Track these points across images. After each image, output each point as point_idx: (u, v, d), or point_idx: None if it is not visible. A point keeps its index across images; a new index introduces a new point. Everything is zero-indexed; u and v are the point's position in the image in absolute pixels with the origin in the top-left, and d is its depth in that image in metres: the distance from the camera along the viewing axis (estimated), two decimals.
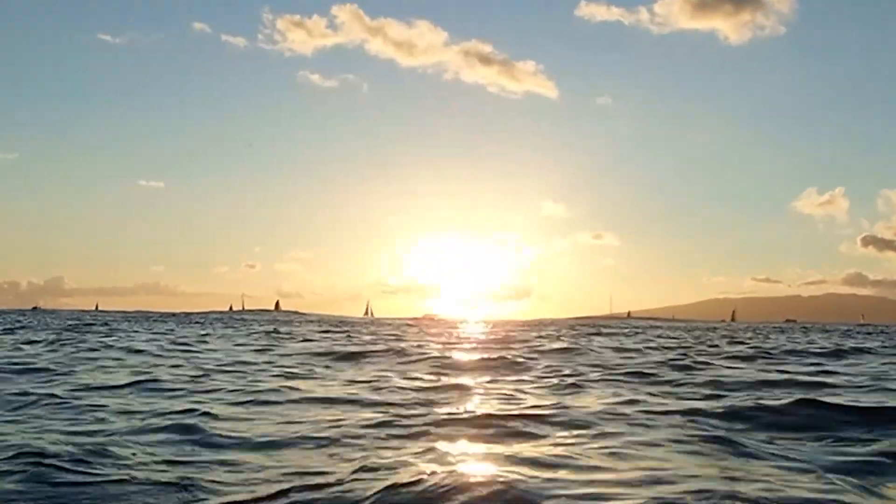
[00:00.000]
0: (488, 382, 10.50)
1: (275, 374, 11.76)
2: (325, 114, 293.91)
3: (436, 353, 16.61)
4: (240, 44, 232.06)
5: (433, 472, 4.32)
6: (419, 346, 20.43)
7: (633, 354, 18.16)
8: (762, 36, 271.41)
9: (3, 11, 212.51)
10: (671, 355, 17.27)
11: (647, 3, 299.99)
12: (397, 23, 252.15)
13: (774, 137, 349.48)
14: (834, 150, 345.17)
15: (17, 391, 8.54)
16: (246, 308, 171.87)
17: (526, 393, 9.15)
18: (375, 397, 8.65)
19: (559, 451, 5.28)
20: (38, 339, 21.52)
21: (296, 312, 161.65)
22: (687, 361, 14.76)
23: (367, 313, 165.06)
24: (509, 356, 15.37)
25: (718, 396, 8.92)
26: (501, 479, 4.17)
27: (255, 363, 13.88)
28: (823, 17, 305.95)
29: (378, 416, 7.01)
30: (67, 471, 4.55)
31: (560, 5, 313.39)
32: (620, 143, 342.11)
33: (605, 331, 47.44)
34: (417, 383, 10.29)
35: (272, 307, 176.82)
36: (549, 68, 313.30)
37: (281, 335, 29.25)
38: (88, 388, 9.16)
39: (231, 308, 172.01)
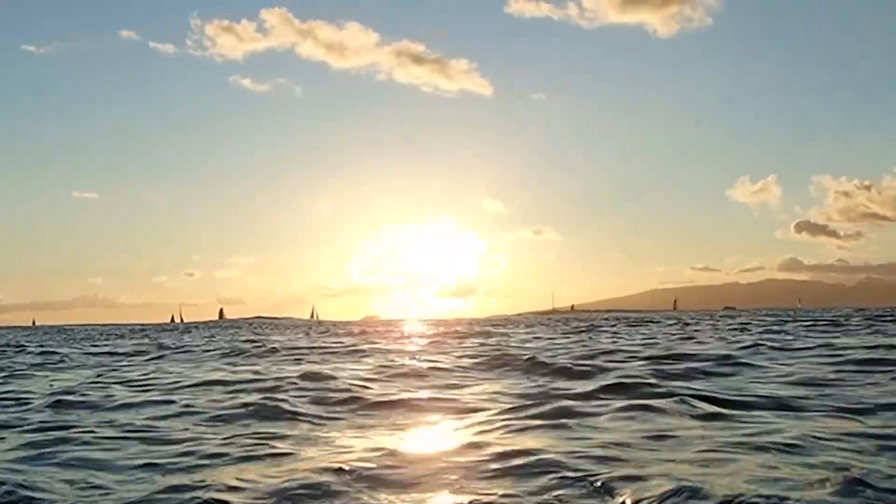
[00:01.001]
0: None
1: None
2: (260, 118, 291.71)
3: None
4: (169, 50, 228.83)
5: None
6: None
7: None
8: (690, 28, 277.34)
9: None
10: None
11: None
12: (327, 25, 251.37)
13: (707, 128, 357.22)
14: (765, 139, 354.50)
15: None
16: (186, 320, 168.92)
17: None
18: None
19: None
20: None
21: (241, 320, 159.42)
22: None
23: (312, 317, 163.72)
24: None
25: None
26: None
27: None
28: (750, 7, 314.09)
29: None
30: None
31: (490, 2, 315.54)
32: (556, 138, 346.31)
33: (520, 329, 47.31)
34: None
35: (215, 316, 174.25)
36: (482, 66, 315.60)
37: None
38: None
39: (172, 320, 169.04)
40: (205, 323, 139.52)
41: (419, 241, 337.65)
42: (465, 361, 13.17)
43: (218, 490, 4.20)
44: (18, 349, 25.56)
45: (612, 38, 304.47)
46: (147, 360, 17.31)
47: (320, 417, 7.24)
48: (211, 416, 7.29)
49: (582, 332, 30.71)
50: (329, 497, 4.09)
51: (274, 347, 20.44)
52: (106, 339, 37.79)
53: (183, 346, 24.08)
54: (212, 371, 13.09)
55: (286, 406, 7.65)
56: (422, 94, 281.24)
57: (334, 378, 10.48)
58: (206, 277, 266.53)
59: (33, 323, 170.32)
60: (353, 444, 5.66)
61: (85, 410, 8.13)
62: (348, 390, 9.04)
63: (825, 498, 3.76)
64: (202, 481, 4.42)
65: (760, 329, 26.76)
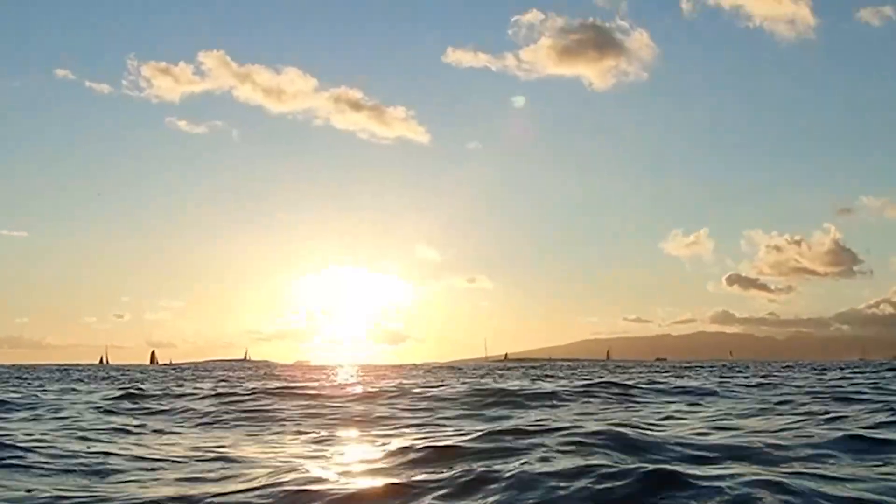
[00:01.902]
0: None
1: None
2: (195, 160, 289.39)
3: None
4: (104, 90, 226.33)
5: None
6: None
7: None
8: (626, 82, 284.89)
9: None
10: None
11: (514, 49, 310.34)
12: (266, 69, 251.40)
13: (640, 180, 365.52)
14: (698, 193, 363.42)
15: None
16: (113, 362, 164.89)
17: None
18: None
19: None
20: None
21: (176, 364, 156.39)
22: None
23: (245, 358, 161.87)
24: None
25: None
26: None
27: None
28: (684, 63, 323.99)
29: None
30: None
31: (428, 52, 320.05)
32: (491, 187, 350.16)
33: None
34: None
35: (145, 360, 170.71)
36: (419, 114, 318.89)
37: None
38: None
39: (101, 361, 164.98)
40: (137, 366, 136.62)
41: (352, 287, 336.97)
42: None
43: None
44: None
45: (548, 90, 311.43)
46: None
47: None
48: None
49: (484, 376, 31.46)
50: None
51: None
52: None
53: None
54: None
55: None
56: (358, 140, 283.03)
57: None
58: (136, 319, 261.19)
59: None
60: None
61: None
62: None
63: None
64: None
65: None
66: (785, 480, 4.86)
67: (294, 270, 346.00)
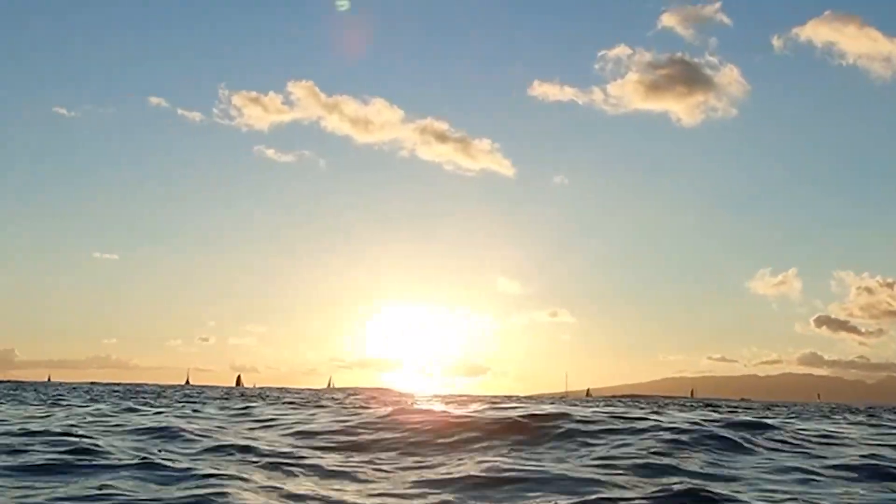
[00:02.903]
0: None
1: None
2: (282, 188, 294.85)
3: None
4: (196, 118, 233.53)
5: None
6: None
7: None
8: (714, 118, 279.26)
9: None
10: None
11: (601, 83, 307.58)
12: (353, 100, 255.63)
13: (728, 218, 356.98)
14: (787, 232, 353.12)
15: None
16: (193, 383, 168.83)
17: None
18: None
19: None
20: None
21: (259, 388, 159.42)
22: None
23: (329, 387, 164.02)
24: None
25: None
26: None
27: None
28: (775, 100, 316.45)
29: None
30: None
31: (514, 84, 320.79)
32: (576, 221, 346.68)
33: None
34: None
35: (230, 382, 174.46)
36: (505, 146, 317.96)
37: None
38: None
39: (187, 382, 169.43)
40: (223, 388, 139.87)
41: (433, 318, 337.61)
42: None
43: None
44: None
45: (635, 125, 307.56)
46: None
47: None
48: None
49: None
50: None
51: None
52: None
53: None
54: None
55: None
56: (443, 171, 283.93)
57: None
58: (221, 343, 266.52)
59: (48, 379, 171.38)
60: None
61: None
62: None
63: None
64: None
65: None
66: None
67: (377, 300, 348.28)
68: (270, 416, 13.62)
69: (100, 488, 6.37)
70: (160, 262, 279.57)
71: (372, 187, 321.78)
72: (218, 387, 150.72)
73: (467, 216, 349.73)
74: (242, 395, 49.83)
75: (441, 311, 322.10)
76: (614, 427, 10.49)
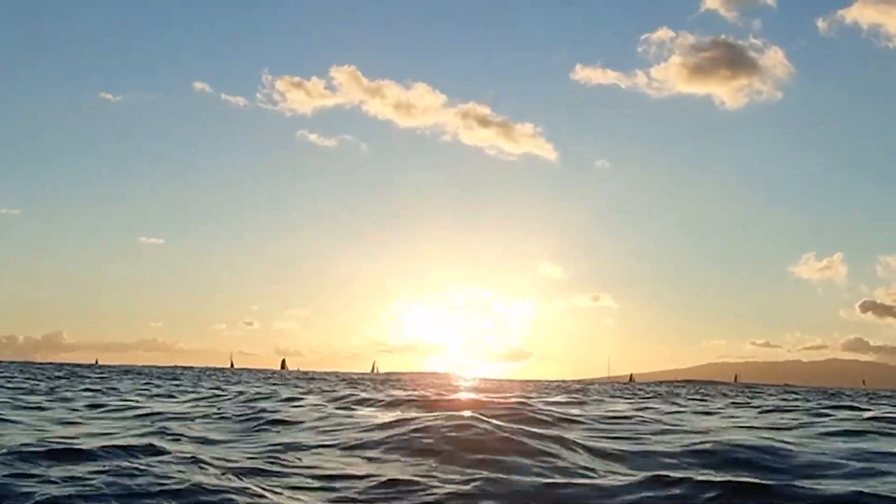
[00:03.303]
0: None
1: None
2: (324, 173, 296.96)
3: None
4: (239, 103, 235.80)
5: None
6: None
7: None
8: (759, 101, 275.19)
9: (7, 70, 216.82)
10: None
11: (644, 67, 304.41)
12: (395, 84, 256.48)
13: (772, 202, 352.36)
14: (832, 216, 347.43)
15: None
16: (237, 366, 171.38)
17: None
18: None
19: None
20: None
21: (300, 371, 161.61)
22: None
23: (373, 371, 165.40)
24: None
25: None
26: None
27: None
28: (820, 82, 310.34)
29: None
30: None
31: (556, 68, 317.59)
32: (618, 205, 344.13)
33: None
34: None
35: (272, 365, 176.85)
36: (547, 131, 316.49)
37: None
38: None
39: (231, 364, 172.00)
40: (268, 371, 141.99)
41: (475, 303, 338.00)
42: None
43: None
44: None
45: (678, 109, 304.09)
46: None
47: None
48: None
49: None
50: None
51: None
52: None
53: None
54: None
55: None
56: (486, 155, 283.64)
57: None
58: (265, 328, 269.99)
59: (96, 362, 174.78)
60: None
61: None
62: None
63: None
64: None
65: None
66: None
67: (418, 284, 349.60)
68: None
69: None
70: (205, 247, 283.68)
71: (414, 172, 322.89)
72: (262, 370, 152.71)
73: (509, 200, 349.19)
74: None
75: (483, 295, 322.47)
76: None
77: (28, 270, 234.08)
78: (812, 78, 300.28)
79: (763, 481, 5.69)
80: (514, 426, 8.28)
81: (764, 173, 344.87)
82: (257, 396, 16.50)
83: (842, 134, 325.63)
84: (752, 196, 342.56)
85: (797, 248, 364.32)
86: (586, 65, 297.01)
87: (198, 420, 10.49)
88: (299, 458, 7.05)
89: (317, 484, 5.88)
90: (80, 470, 5.66)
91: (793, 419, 12.24)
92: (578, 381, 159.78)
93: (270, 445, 7.98)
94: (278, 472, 6.29)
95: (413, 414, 10.09)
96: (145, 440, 7.18)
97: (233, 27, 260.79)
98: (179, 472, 5.67)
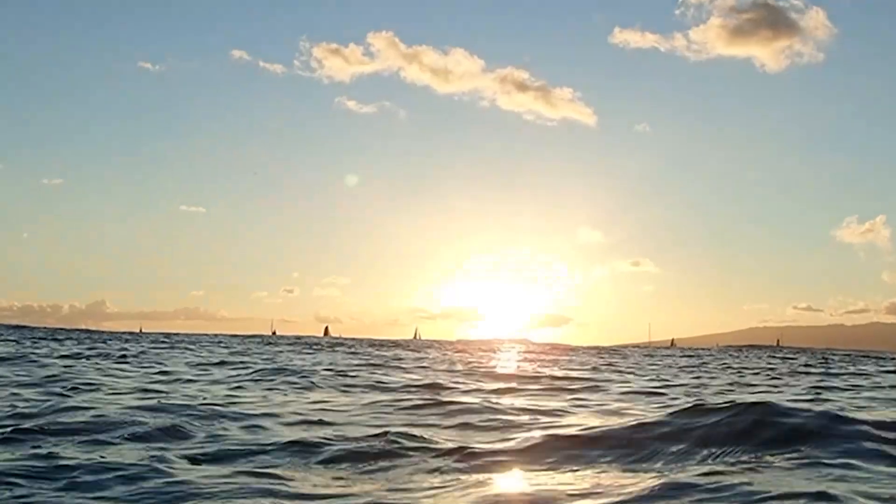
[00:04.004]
0: None
1: None
2: (363, 139, 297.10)
3: None
4: (277, 71, 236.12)
5: None
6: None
7: None
8: (800, 63, 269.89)
9: (48, 43, 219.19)
10: None
11: (683, 29, 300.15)
12: (433, 50, 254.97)
13: (813, 165, 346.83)
14: (874, 179, 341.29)
15: None
16: (279, 333, 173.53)
17: None
18: None
19: None
20: None
21: (348, 339, 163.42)
22: None
23: (415, 337, 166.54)
24: None
25: None
26: None
27: None
28: (862, 44, 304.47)
29: None
30: None
31: (594, 32, 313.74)
32: (658, 169, 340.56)
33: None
34: None
35: (314, 332, 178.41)
36: (586, 95, 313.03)
37: None
38: None
39: (273, 333, 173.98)
40: (311, 338, 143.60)
41: (515, 269, 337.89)
42: None
43: None
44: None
45: (718, 72, 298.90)
46: None
47: None
48: None
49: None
50: None
51: None
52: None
53: None
54: None
55: None
56: (524, 121, 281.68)
57: None
58: (305, 295, 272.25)
59: (140, 330, 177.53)
60: None
61: None
62: None
63: None
64: None
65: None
66: None
67: (458, 250, 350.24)
68: None
69: None
70: (245, 215, 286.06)
71: (452, 137, 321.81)
72: (305, 336, 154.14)
73: (548, 165, 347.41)
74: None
75: (523, 261, 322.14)
76: None
77: (70, 240, 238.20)
78: (854, 39, 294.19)
79: None
80: None
81: (805, 136, 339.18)
82: None
83: (884, 95, 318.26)
84: (794, 160, 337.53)
85: (839, 212, 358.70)
86: (625, 28, 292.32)
87: None
88: None
89: None
90: None
91: None
92: (614, 347, 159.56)
93: None
94: None
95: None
96: None
97: None
98: None
